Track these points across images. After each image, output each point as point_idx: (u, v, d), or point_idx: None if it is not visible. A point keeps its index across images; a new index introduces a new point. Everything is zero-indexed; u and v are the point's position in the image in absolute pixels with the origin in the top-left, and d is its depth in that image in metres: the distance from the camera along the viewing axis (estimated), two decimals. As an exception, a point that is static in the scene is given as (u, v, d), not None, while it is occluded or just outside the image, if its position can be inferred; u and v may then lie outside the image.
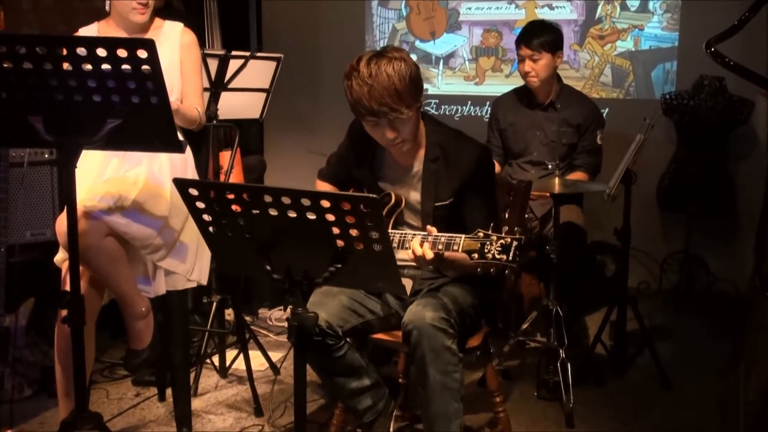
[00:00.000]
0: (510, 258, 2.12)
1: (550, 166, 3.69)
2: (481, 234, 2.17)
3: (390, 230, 2.43)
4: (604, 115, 4.47)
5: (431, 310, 2.32)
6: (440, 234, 2.26)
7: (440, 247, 2.24)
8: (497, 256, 2.13)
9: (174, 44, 2.75)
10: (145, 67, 2.00)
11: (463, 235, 2.21)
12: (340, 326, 2.44)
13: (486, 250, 2.15)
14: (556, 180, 3.25)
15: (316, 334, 2.37)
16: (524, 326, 3.49)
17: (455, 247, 2.21)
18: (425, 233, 2.28)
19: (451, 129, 2.53)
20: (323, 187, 2.75)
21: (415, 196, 2.51)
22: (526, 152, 3.89)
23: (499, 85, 4.89)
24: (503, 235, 2.14)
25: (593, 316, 4.24)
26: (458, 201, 2.44)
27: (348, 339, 2.48)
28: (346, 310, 2.48)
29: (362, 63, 2.31)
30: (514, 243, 2.12)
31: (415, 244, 2.27)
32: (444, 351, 2.30)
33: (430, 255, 2.24)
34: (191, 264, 2.73)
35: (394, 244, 2.34)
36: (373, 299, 2.55)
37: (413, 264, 2.32)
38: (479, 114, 5.07)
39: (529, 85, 3.81)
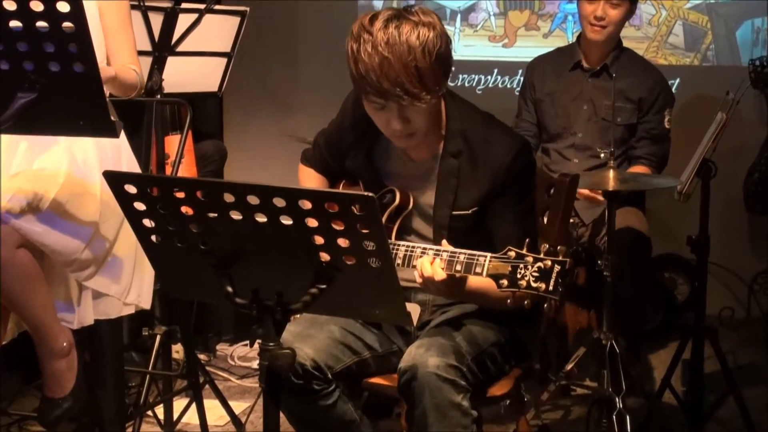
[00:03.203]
0: (550, 287, 2.11)
1: (602, 155, 3.69)
2: (512, 254, 2.16)
3: (393, 241, 2.43)
4: (674, 87, 4.49)
5: (436, 354, 2.30)
6: (459, 251, 2.25)
7: (458, 267, 2.23)
8: (533, 284, 2.12)
9: None
10: (67, 24, 2.00)
11: (489, 254, 2.20)
12: (330, 366, 2.44)
13: (519, 276, 2.14)
14: (611, 173, 3.25)
15: (298, 376, 2.37)
16: (569, 367, 3.49)
17: (478, 269, 2.20)
18: (438, 248, 2.27)
19: (480, 113, 2.51)
20: (308, 174, 2.75)
21: (427, 199, 2.50)
22: (567, 132, 3.90)
23: (534, 48, 4.89)
24: (542, 256, 2.13)
25: (659, 353, 4.24)
26: (484, 211, 2.43)
27: (338, 383, 2.48)
28: (338, 345, 2.47)
29: (377, 23, 2.26)
30: (556, 267, 2.11)
31: (423, 262, 2.26)
32: (452, 409, 2.29)
33: (440, 275, 2.23)
34: (127, 283, 2.73)
35: (398, 261, 2.35)
36: (371, 331, 2.56)
37: (421, 286, 2.32)
38: (509, 86, 5.08)
39: (591, 36, 3.80)
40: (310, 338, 2.43)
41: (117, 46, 2.78)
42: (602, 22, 3.75)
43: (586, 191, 3.63)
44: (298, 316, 2.55)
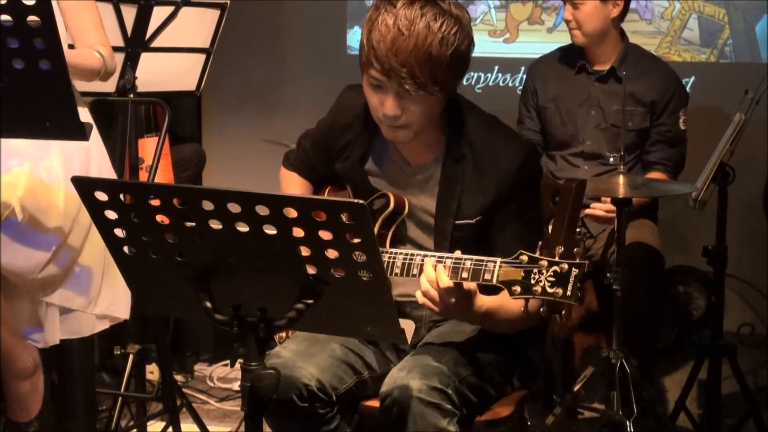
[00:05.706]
0: (568, 292, 2.10)
1: (611, 160, 3.70)
2: (524, 258, 2.16)
3: (388, 249, 2.42)
4: (688, 85, 4.50)
5: (419, 376, 2.30)
6: (465, 257, 2.23)
7: (465, 275, 2.21)
8: (549, 290, 2.11)
9: None
10: (32, 18, 2.00)
11: (499, 260, 2.19)
12: (335, 388, 2.42)
13: (533, 281, 2.13)
14: (621, 178, 3.26)
15: (303, 399, 2.35)
16: (576, 388, 3.49)
17: (487, 276, 2.19)
18: (441, 254, 2.26)
19: (485, 116, 2.52)
20: (290, 179, 2.75)
21: (425, 206, 2.50)
22: (575, 140, 3.90)
23: (538, 44, 4.91)
24: (557, 259, 2.12)
25: (674, 374, 4.25)
26: (488, 221, 2.43)
27: (339, 407, 2.45)
28: (340, 364, 2.46)
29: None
30: (574, 271, 2.10)
31: (426, 265, 2.25)
32: None
33: (445, 281, 2.21)
34: (94, 293, 2.72)
35: (396, 270, 2.34)
36: (369, 348, 2.55)
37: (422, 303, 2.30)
38: (510, 84, 5.08)
39: (574, 40, 3.85)
40: (313, 357, 2.41)
41: (79, 25, 2.77)
42: (572, 23, 3.81)
43: (599, 211, 3.59)
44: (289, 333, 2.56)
